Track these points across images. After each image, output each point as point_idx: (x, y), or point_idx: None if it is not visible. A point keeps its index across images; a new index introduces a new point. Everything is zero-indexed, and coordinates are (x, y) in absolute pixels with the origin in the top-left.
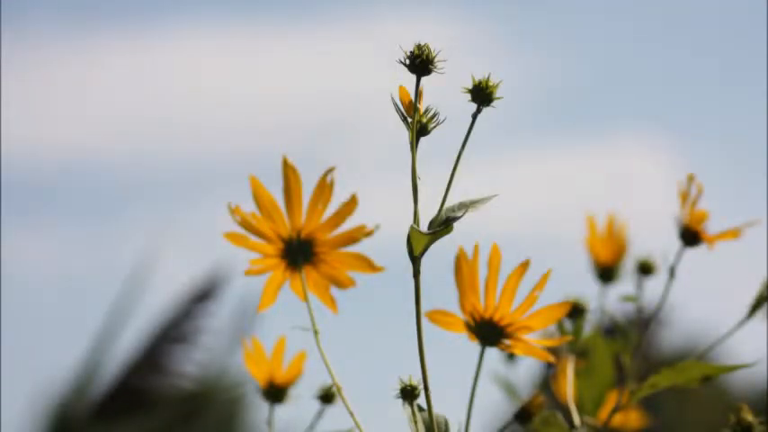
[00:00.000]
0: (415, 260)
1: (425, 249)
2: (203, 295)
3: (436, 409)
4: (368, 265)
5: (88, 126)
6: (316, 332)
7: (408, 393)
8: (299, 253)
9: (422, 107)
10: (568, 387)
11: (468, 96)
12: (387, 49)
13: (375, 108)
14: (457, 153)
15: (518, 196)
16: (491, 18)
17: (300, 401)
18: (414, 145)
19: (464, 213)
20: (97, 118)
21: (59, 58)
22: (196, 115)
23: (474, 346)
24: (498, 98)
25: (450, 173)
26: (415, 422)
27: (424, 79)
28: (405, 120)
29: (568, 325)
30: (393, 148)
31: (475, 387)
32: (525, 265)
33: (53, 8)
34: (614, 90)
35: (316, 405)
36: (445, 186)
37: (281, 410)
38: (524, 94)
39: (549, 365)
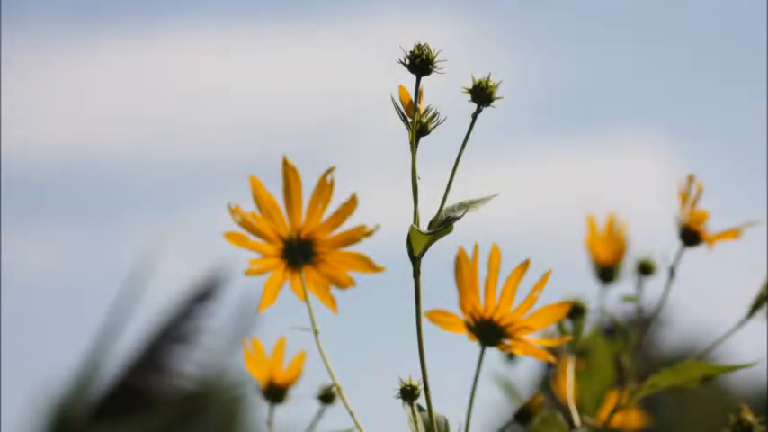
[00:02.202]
0: (415, 260)
1: (425, 249)
2: (203, 295)
3: (436, 409)
4: (368, 265)
5: (88, 126)
6: (316, 332)
7: (408, 393)
8: (299, 253)
9: (422, 107)
10: (568, 387)
11: (468, 96)
12: (387, 49)
13: (375, 108)
14: (457, 153)
15: (518, 196)
16: (491, 18)
17: (300, 401)
18: (414, 145)
19: (464, 213)
20: (97, 118)
21: (59, 59)
22: (196, 115)
23: (474, 346)
24: (498, 98)
25: (450, 173)
26: (415, 422)
27: (423, 79)
28: (405, 120)
29: (568, 325)
30: (393, 148)
31: (475, 387)
32: (525, 266)
33: (53, 8)
34: (614, 90)
35: (316, 405)
36: (445, 186)
37: (281, 410)
38: (524, 94)
39: (549, 365)
